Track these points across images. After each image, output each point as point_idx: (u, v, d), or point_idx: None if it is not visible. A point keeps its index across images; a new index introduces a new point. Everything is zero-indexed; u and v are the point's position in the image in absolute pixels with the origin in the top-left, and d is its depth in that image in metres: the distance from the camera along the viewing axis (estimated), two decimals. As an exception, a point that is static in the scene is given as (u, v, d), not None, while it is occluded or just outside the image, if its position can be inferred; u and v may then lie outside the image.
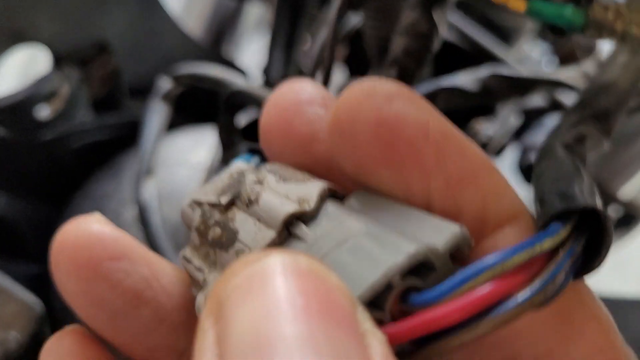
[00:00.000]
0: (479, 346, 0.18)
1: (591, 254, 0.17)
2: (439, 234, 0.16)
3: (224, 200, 0.20)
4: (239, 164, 0.22)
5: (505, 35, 0.53)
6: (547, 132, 0.25)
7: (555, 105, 0.43)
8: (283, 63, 0.48)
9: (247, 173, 0.21)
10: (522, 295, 0.15)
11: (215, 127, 0.40)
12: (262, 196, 0.19)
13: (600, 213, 0.17)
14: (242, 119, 0.41)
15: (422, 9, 0.31)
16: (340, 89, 0.57)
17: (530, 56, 0.55)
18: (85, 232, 0.21)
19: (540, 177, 0.19)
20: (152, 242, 0.38)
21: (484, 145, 0.49)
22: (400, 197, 0.19)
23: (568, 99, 0.41)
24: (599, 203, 0.17)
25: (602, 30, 0.24)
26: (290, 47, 0.46)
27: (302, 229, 0.18)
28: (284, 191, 0.19)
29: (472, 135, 0.49)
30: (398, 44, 0.32)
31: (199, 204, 0.21)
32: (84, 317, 0.21)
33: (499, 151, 0.49)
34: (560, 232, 0.16)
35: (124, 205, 0.46)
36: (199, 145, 0.49)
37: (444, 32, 0.33)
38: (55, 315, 0.46)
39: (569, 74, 0.38)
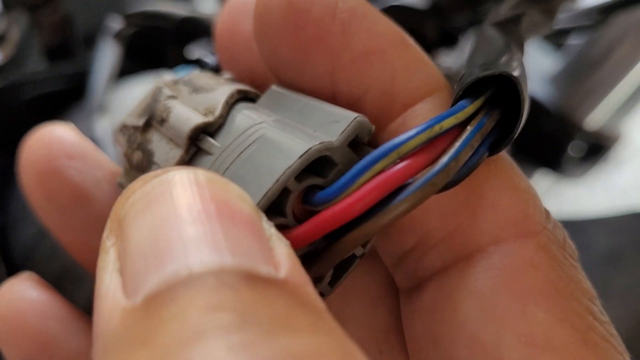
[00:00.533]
0: (390, 229, 0.18)
1: (510, 127, 0.16)
2: (335, 126, 0.16)
3: (141, 121, 0.20)
4: (163, 78, 0.21)
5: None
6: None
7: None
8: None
9: (163, 89, 0.20)
10: (422, 178, 0.14)
11: (166, 66, 0.39)
12: (172, 112, 0.19)
13: (513, 78, 0.16)
14: (195, 52, 0.40)
15: None
16: None
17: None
18: (49, 133, 0.22)
19: (468, 58, 0.19)
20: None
21: (446, 76, 0.48)
22: (309, 84, 0.18)
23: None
24: (517, 71, 0.16)
25: None
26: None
27: (207, 142, 0.18)
28: (194, 103, 0.19)
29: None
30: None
31: (126, 127, 0.20)
32: (39, 211, 0.22)
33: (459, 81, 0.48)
34: (467, 108, 0.15)
35: None
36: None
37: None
38: (14, 265, 0.46)
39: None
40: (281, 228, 0.15)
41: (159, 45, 0.47)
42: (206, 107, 0.18)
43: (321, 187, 0.16)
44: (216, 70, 0.28)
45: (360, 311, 0.21)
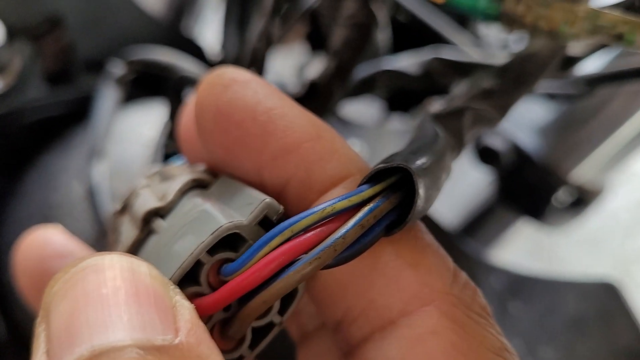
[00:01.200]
0: (322, 301, 0.20)
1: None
2: (248, 207, 0.18)
3: (118, 206, 0.22)
4: (148, 171, 0.24)
5: (463, 19, 0.54)
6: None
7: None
8: (237, 41, 0.48)
9: (143, 180, 0.23)
10: (311, 253, 0.16)
11: (165, 105, 0.40)
12: (138, 198, 0.21)
13: (411, 170, 0.17)
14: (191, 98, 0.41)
15: (361, 1, 0.32)
16: (302, 68, 0.57)
17: (486, 39, 0.56)
18: (41, 236, 0.25)
19: (406, 147, 0.20)
20: (99, 222, 0.38)
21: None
22: (242, 177, 0.20)
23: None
24: (418, 164, 0.18)
25: (514, 23, 0.24)
26: (243, 25, 0.46)
27: (157, 223, 0.20)
28: (158, 191, 0.21)
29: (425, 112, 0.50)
30: (338, 34, 0.32)
31: (114, 213, 0.23)
32: (33, 305, 0.24)
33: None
34: (364, 192, 0.17)
35: (75, 180, 0.47)
36: (149, 120, 0.49)
37: (384, 24, 0.33)
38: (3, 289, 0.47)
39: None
40: (197, 295, 0.18)
41: (159, 84, 0.49)
42: (163, 193, 0.21)
43: (233, 260, 0.18)
44: None
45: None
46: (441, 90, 0.53)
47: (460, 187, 0.63)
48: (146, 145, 0.47)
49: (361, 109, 0.58)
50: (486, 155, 0.55)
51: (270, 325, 0.19)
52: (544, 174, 0.54)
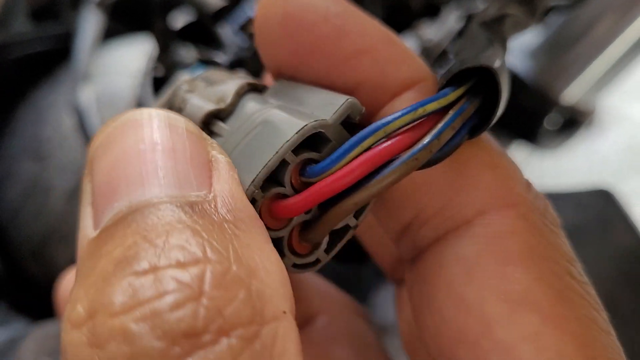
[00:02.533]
0: (388, 205, 0.20)
1: (490, 114, 0.18)
2: (330, 107, 0.18)
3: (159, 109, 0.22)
4: (182, 76, 0.23)
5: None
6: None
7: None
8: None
9: (182, 84, 0.22)
10: (407, 154, 0.16)
11: (150, 32, 0.40)
12: (188, 102, 0.21)
13: (493, 70, 0.17)
14: (178, 21, 0.41)
15: None
16: None
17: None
18: None
19: (456, 54, 0.20)
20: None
21: (427, 51, 0.49)
22: (308, 82, 0.20)
23: None
24: (497, 64, 0.18)
25: None
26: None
27: (218, 126, 0.20)
28: (208, 95, 0.21)
29: (416, 35, 0.50)
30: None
31: None
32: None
33: (440, 55, 0.49)
34: (449, 95, 0.17)
35: (65, 114, 0.47)
36: (135, 52, 0.49)
37: None
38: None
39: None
40: (280, 197, 0.17)
41: (143, 13, 0.48)
42: (218, 97, 0.21)
43: (316, 161, 0.18)
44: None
45: (347, 354, 0.24)
46: (432, 10, 0.53)
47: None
48: (133, 76, 0.47)
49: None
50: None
51: (346, 229, 0.19)
52: (536, 96, 0.54)
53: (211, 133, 0.20)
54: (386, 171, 0.16)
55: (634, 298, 0.34)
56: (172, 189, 0.15)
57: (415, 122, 0.17)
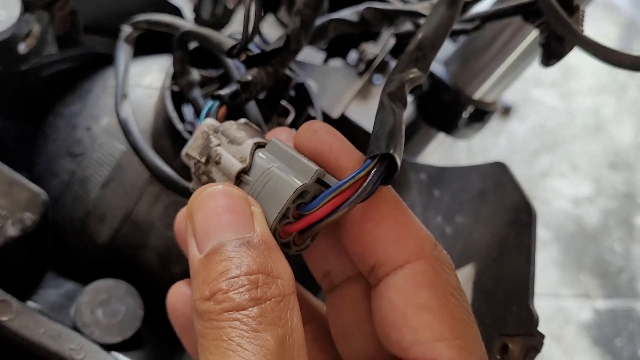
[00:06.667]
0: (357, 260, 0.31)
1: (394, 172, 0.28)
2: (307, 173, 0.29)
3: (203, 159, 0.33)
4: (207, 122, 0.35)
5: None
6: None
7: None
8: (212, 2, 0.59)
9: (211, 137, 0.33)
10: (350, 199, 0.28)
11: (170, 58, 0.51)
12: (222, 158, 0.32)
13: (391, 155, 0.28)
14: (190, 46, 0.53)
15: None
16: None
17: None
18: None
19: (374, 125, 0.30)
20: (134, 145, 0.49)
21: (370, 62, 0.63)
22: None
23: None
24: (395, 147, 0.28)
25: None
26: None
27: (245, 178, 0.31)
28: (232, 152, 0.32)
29: (361, 53, 0.64)
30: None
31: (190, 157, 0.34)
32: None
33: (380, 66, 0.63)
34: (370, 165, 0.28)
35: (92, 121, 0.57)
36: (148, 70, 0.60)
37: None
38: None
39: (423, 6, 0.51)
40: (287, 223, 0.30)
41: (161, 43, 0.59)
42: (241, 156, 0.31)
43: (304, 204, 0.30)
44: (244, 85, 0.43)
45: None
46: (373, 36, 0.66)
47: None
48: (148, 89, 0.58)
49: (309, 53, 0.71)
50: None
51: (317, 234, 0.31)
52: (455, 94, 0.68)
53: (241, 183, 0.31)
54: (341, 208, 0.28)
55: (516, 235, 0.46)
56: (237, 233, 0.27)
57: (351, 183, 0.28)
